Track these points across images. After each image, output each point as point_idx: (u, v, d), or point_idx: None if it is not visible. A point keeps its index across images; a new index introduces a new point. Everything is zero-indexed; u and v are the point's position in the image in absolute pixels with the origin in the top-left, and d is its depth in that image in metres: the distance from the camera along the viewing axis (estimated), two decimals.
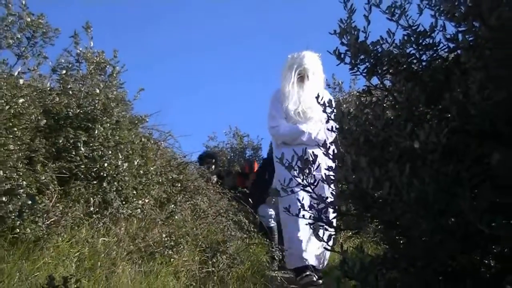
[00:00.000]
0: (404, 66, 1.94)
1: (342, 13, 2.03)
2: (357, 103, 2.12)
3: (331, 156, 2.10)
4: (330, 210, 2.13)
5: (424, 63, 1.93)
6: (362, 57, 1.99)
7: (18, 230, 3.48)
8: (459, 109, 1.62)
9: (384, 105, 2.04)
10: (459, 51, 1.81)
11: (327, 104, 2.13)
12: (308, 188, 2.10)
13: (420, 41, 1.91)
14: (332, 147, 2.14)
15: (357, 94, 2.42)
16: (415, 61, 1.93)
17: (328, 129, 3.87)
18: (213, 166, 8.15)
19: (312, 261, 5.09)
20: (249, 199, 6.52)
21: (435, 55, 1.91)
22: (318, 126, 5.30)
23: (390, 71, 1.98)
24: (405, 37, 1.93)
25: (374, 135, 1.85)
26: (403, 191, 1.62)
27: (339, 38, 2.01)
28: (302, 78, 5.18)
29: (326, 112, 2.12)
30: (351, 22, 1.99)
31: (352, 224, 2.08)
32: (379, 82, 2.09)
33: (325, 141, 2.17)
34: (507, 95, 1.54)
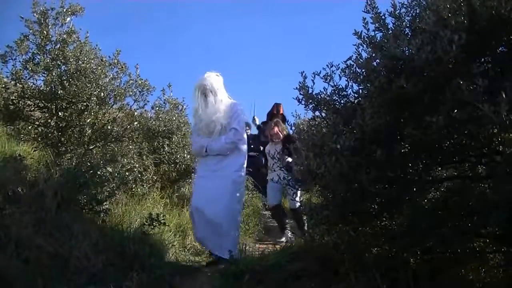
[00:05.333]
0: (332, 105, 1.94)
1: None
2: (308, 124, 2.12)
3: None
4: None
5: (342, 104, 1.93)
6: (310, 101, 1.98)
7: (133, 189, 3.49)
8: (360, 128, 1.62)
9: (322, 125, 2.05)
10: (360, 98, 1.82)
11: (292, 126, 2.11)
12: (283, 169, 2.11)
13: (340, 93, 1.92)
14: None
15: (308, 119, 2.42)
16: (337, 103, 1.93)
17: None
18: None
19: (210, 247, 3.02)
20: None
21: (347, 100, 1.91)
22: (220, 137, 3.03)
23: (325, 108, 1.98)
24: (332, 91, 1.94)
25: (317, 141, 1.85)
26: (331, 170, 1.63)
27: (298, 91, 2.00)
28: (205, 96, 3.03)
29: (282, 132, 2.10)
30: (305, 83, 1.98)
31: (305, 186, 2.08)
32: (319, 114, 2.08)
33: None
34: (384, 121, 1.55)
